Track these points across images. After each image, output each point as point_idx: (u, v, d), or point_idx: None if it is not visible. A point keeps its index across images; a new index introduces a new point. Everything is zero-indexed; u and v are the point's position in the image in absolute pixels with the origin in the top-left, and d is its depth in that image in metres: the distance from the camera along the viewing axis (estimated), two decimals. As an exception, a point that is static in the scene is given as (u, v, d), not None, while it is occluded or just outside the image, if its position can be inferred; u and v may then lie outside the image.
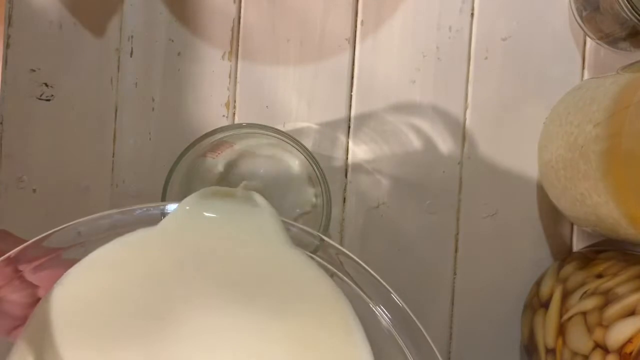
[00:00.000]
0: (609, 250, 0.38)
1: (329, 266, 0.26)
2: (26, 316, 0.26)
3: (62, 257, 0.26)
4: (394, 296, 0.25)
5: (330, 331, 0.25)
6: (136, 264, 0.26)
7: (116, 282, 0.25)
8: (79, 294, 0.25)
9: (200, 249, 0.26)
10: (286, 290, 0.26)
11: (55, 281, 0.26)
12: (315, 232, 0.27)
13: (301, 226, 0.27)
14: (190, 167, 0.36)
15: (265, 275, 0.26)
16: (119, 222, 0.26)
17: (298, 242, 0.27)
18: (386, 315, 0.26)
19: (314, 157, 0.34)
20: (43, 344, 0.25)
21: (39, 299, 0.26)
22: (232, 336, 0.25)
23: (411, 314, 0.25)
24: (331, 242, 0.27)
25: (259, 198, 0.27)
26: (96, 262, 0.26)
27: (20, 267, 0.26)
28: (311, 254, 0.27)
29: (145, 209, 0.26)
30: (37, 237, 0.25)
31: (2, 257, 0.25)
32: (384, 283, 0.26)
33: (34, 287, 0.26)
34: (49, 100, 0.41)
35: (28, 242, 0.25)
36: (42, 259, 0.26)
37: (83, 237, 0.26)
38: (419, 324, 0.25)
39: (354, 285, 0.26)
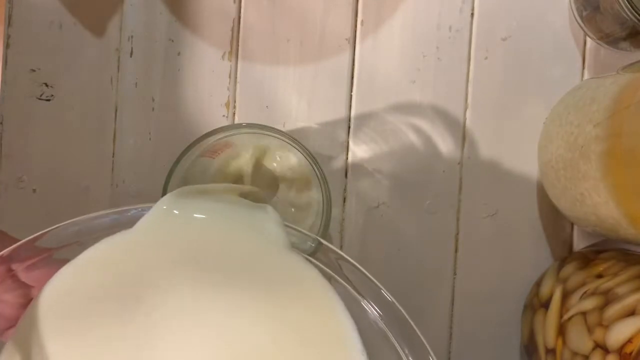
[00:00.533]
0: (609, 250, 0.38)
1: (324, 267, 0.26)
2: (18, 317, 0.26)
3: (54, 256, 0.26)
4: (384, 292, 0.25)
5: (313, 311, 0.25)
6: (119, 264, 0.26)
7: (101, 282, 0.25)
8: (66, 293, 0.25)
9: (178, 245, 0.26)
10: (270, 276, 0.26)
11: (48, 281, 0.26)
12: (312, 235, 0.27)
13: (298, 228, 0.27)
14: (190, 167, 0.36)
15: (253, 268, 0.26)
16: (113, 222, 0.26)
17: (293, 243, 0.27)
18: (377, 312, 0.26)
19: (314, 157, 0.34)
20: (31, 343, 0.25)
21: (31, 300, 0.26)
22: (212, 323, 0.25)
23: (402, 309, 0.25)
24: (327, 243, 0.27)
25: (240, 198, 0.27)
26: (83, 263, 0.26)
27: (13, 267, 0.26)
28: (308, 257, 0.27)
29: (140, 209, 0.26)
30: (30, 237, 0.25)
31: None
32: (373, 279, 0.26)
33: (27, 287, 0.26)
34: (49, 100, 0.41)
35: (21, 242, 0.25)
36: (35, 258, 0.26)
37: (76, 237, 0.26)
38: (409, 319, 0.25)
39: (348, 286, 0.26)
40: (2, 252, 0.25)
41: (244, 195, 0.28)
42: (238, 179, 0.37)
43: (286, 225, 0.27)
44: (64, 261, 0.26)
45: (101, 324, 0.25)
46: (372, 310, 0.26)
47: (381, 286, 0.26)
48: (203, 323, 0.25)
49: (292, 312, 0.25)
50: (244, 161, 0.37)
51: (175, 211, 0.26)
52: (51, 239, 0.26)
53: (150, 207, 0.26)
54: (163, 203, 0.26)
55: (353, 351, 0.25)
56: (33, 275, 0.26)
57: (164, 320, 0.25)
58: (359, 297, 0.26)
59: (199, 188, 0.28)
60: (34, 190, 0.41)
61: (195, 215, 0.26)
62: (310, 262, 0.26)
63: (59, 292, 0.25)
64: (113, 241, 0.26)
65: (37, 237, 0.26)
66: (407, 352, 0.25)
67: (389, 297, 0.25)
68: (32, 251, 0.26)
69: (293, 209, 0.37)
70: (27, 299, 0.26)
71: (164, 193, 0.34)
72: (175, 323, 0.25)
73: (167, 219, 0.26)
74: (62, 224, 0.26)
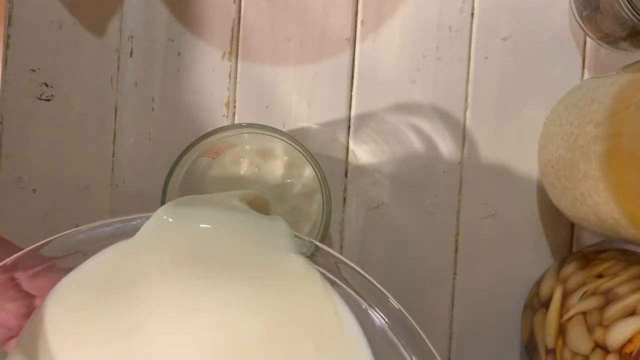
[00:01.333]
0: (609, 250, 0.38)
1: (326, 272, 0.26)
2: (21, 327, 0.26)
3: (57, 265, 0.26)
4: (391, 300, 0.25)
5: (319, 314, 0.25)
6: (121, 272, 0.26)
7: (104, 289, 0.25)
8: (71, 301, 0.25)
9: (179, 253, 0.26)
10: (275, 279, 0.26)
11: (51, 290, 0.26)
12: (307, 238, 0.27)
13: (301, 235, 0.27)
14: (190, 167, 0.36)
15: (257, 271, 0.26)
16: (117, 231, 0.26)
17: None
18: (383, 318, 0.26)
19: (314, 158, 0.34)
20: (38, 353, 0.25)
21: (34, 310, 0.26)
22: (213, 322, 0.25)
23: (408, 316, 0.25)
24: (325, 247, 0.27)
25: (242, 204, 0.27)
26: (86, 271, 0.26)
27: (16, 275, 0.26)
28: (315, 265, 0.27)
29: (144, 218, 0.26)
30: (34, 245, 0.25)
31: None
32: (377, 284, 0.25)
33: (30, 296, 0.26)
34: (49, 100, 0.41)
35: (24, 250, 0.25)
36: (38, 267, 0.26)
37: (79, 246, 0.26)
38: (417, 326, 0.25)
39: (349, 290, 0.26)
40: (5, 261, 0.25)
41: (250, 201, 0.28)
42: (240, 181, 0.37)
43: (295, 235, 0.27)
44: (67, 270, 0.26)
45: (106, 329, 0.25)
46: (376, 315, 0.26)
47: (383, 289, 0.25)
48: (205, 322, 0.25)
49: (296, 315, 0.25)
50: (244, 161, 0.37)
51: (176, 220, 0.26)
52: (54, 248, 0.26)
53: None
54: (163, 212, 0.26)
55: (359, 353, 0.25)
56: (36, 284, 0.26)
57: (167, 322, 0.25)
58: (364, 303, 0.26)
59: (201, 197, 0.28)
60: (34, 190, 0.41)
61: (198, 224, 0.26)
62: (315, 267, 0.26)
63: (63, 300, 0.25)
64: (115, 250, 0.26)
65: (40, 245, 0.26)
66: (407, 349, 0.25)
67: (394, 303, 0.25)
68: (36, 260, 0.26)
69: (293, 210, 0.37)
70: (30, 308, 0.26)
71: (164, 193, 0.34)
72: (180, 323, 0.25)
73: (168, 228, 0.26)
74: (66, 232, 0.26)
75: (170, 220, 0.26)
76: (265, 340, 0.25)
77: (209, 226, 0.26)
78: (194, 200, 0.27)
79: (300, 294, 0.26)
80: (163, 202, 0.34)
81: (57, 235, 0.26)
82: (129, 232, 0.26)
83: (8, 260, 0.25)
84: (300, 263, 0.26)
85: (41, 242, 0.25)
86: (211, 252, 0.26)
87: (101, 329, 0.25)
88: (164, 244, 0.26)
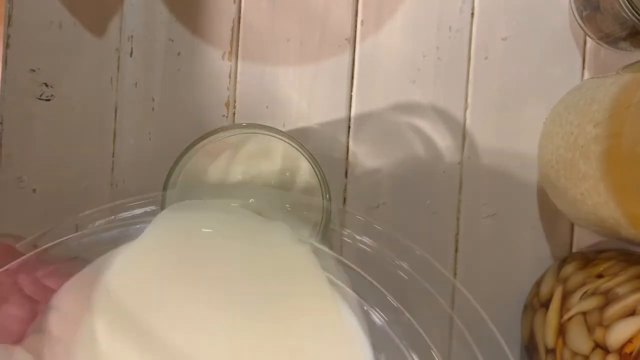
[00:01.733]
0: (609, 250, 0.38)
1: (326, 272, 0.26)
2: (24, 332, 0.26)
3: (60, 270, 0.26)
4: (390, 298, 0.25)
5: (324, 316, 0.25)
6: (124, 276, 0.26)
7: (108, 291, 0.26)
8: (76, 305, 0.26)
9: (183, 257, 0.26)
10: (278, 279, 0.26)
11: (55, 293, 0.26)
12: (307, 239, 0.27)
13: (296, 233, 0.27)
14: (190, 167, 0.36)
15: (262, 274, 0.26)
16: (120, 234, 0.26)
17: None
18: (384, 318, 0.26)
19: (314, 158, 0.34)
20: (44, 355, 0.25)
21: (37, 315, 0.26)
22: (218, 327, 0.25)
23: (409, 315, 0.25)
24: (324, 248, 0.27)
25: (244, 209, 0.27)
26: (89, 275, 0.26)
27: (20, 279, 0.26)
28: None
29: (147, 221, 0.26)
30: (37, 250, 0.25)
31: (2, 269, 0.25)
32: (377, 284, 0.26)
33: (34, 302, 0.26)
34: (49, 100, 0.41)
35: (28, 255, 0.25)
36: (42, 271, 0.26)
37: (83, 250, 0.26)
38: (417, 325, 0.25)
39: (350, 290, 0.26)
40: (9, 265, 0.25)
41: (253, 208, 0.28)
42: (239, 182, 0.37)
43: (299, 239, 0.27)
44: (71, 274, 0.26)
45: (112, 331, 0.25)
46: (376, 314, 0.26)
47: (382, 288, 0.26)
48: (209, 321, 0.25)
49: (300, 313, 0.25)
50: (244, 161, 0.37)
51: (178, 224, 0.26)
52: (58, 252, 0.26)
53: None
54: (165, 216, 0.26)
55: (360, 351, 0.25)
56: (39, 289, 0.26)
57: (173, 324, 0.25)
58: (364, 303, 0.26)
59: (201, 202, 0.28)
60: (34, 190, 0.41)
61: (200, 227, 0.26)
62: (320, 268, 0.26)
63: (69, 302, 0.26)
64: (118, 253, 0.26)
65: (44, 249, 0.26)
66: (407, 347, 0.25)
67: (394, 302, 0.25)
68: (39, 264, 0.26)
69: (293, 210, 0.37)
70: (34, 313, 0.26)
71: (164, 193, 0.34)
72: (186, 324, 0.25)
73: (171, 231, 0.26)
74: (70, 236, 0.26)
75: (173, 223, 0.26)
76: (269, 338, 0.25)
77: (210, 230, 0.26)
78: (195, 204, 0.27)
79: (304, 292, 0.26)
80: (163, 202, 0.34)
81: (62, 239, 0.26)
82: (131, 236, 0.26)
83: (12, 265, 0.25)
84: (303, 262, 0.26)
85: (44, 247, 0.26)
86: (214, 253, 0.26)
87: (107, 330, 0.25)
88: (167, 248, 0.26)
